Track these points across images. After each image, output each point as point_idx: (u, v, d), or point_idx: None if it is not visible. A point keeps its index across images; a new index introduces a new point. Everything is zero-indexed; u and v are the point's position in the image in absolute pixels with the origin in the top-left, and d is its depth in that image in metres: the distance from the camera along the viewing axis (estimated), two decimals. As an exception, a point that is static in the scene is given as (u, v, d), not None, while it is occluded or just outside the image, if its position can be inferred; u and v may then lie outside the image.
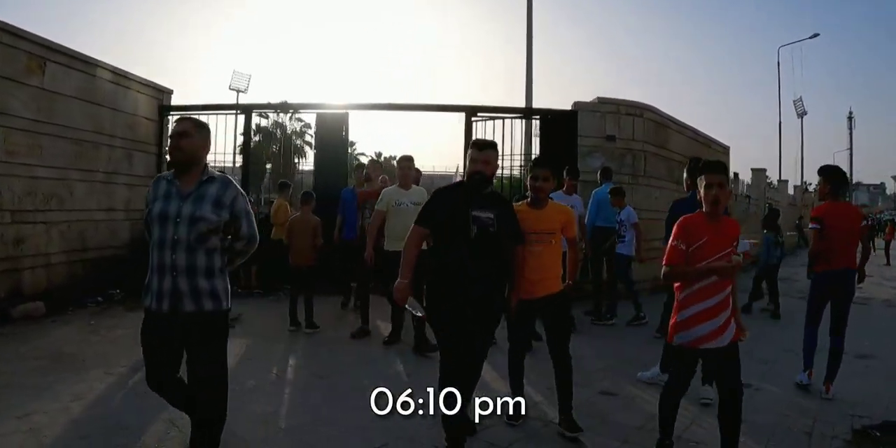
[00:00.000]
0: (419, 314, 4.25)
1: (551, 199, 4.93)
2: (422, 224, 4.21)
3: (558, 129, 11.41)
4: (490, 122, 11.79)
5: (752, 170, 22.77)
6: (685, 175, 6.25)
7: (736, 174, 22.78)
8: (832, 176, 6.07)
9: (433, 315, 4.16)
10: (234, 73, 40.44)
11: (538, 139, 11.51)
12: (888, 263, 22.95)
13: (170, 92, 12.61)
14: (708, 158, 4.74)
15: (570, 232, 4.84)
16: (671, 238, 3.86)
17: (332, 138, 12.22)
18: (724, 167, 3.90)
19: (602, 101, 11.80)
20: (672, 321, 3.94)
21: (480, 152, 4.18)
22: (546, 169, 4.72)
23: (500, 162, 4.88)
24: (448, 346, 4.09)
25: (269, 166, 38.07)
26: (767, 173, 23.90)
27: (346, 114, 12.30)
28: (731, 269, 3.74)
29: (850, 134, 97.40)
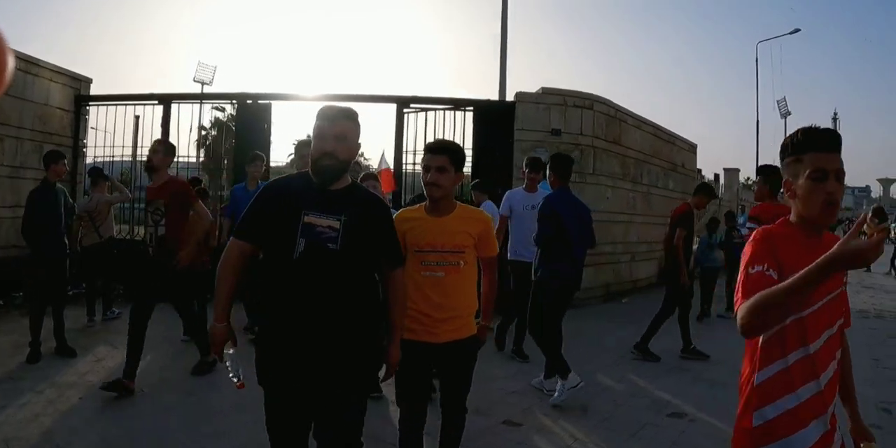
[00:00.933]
0: (234, 380, 2.84)
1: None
2: (238, 236, 2.81)
3: (496, 121, 10.34)
4: (422, 114, 10.76)
5: (725, 170, 21.85)
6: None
7: (716, 175, 21.91)
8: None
9: (261, 376, 2.77)
10: (198, 65, 39.16)
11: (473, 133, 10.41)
12: (868, 269, 22.01)
13: (88, 81, 11.85)
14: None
15: (487, 249, 3.39)
16: (746, 264, 1.97)
17: (254, 130, 11.22)
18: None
19: (546, 92, 10.79)
20: (744, 425, 2.08)
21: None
22: (442, 155, 3.18)
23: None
24: (277, 428, 2.80)
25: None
26: (746, 174, 22.94)
27: (269, 104, 11.35)
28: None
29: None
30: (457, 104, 10.59)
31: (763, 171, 5.87)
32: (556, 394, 5.52)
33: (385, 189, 8.02)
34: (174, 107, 11.40)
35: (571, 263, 5.64)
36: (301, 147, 7.67)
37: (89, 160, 11.64)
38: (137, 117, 11.99)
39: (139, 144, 11.93)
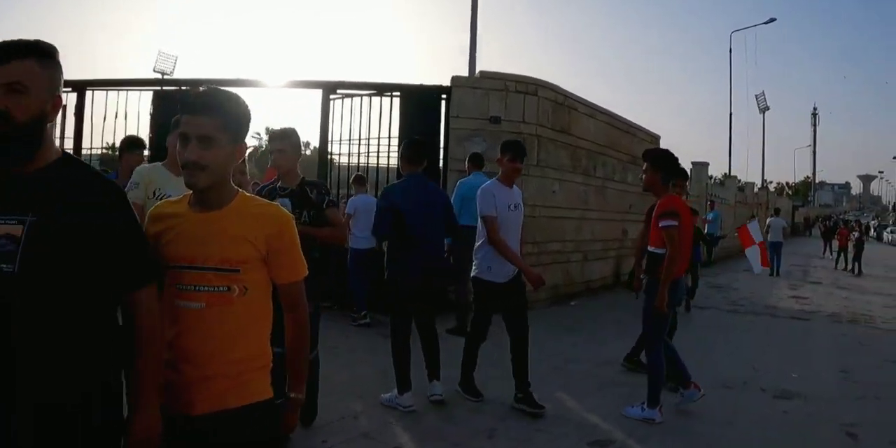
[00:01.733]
0: None
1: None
2: None
3: (427, 108, 9.45)
4: (349, 100, 9.88)
5: (693, 163, 21.07)
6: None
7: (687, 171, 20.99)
8: (662, 162, 5.14)
9: None
10: (159, 54, 38.45)
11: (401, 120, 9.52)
12: (847, 268, 21.44)
13: None
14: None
15: (284, 268, 2.16)
16: None
17: (169, 120, 10.15)
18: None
19: (485, 76, 9.94)
20: None
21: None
22: (205, 117, 2.01)
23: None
24: None
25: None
26: (720, 169, 22.19)
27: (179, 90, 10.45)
28: None
29: (814, 131, 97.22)
30: (381, 89, 9.69)
31: (650, 155, 5.20)
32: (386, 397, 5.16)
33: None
34: (89, 94, 10.66)
35: (423, 260, 5.12)
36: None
37: None
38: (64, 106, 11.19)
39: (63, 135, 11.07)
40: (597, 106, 12.18)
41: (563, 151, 10.89)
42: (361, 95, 9.71)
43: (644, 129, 14.68)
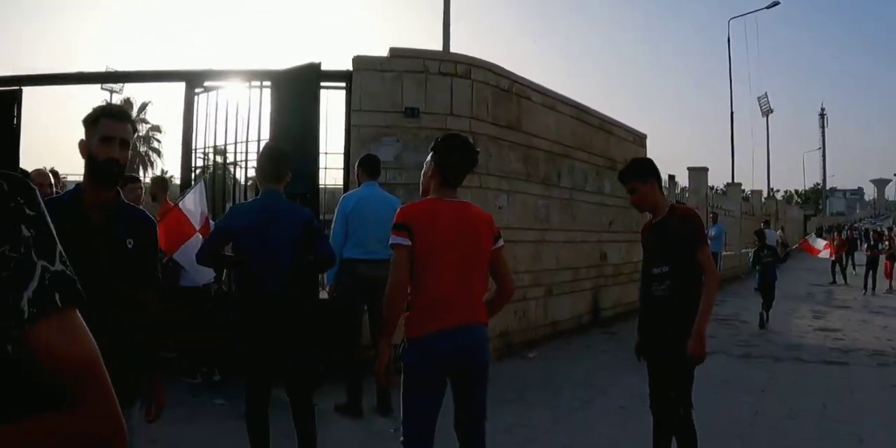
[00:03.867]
0: None
1: None
2: None
3: (306, 99, 7.18)
4: (215, 94, 7.71)
5: (689, 169, 18.79)
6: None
7: (671, 176, 18.94)
8: (651, 168, 4.23)
9: None
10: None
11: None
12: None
13: None
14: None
15: None
16: None
17: None
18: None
19: (397, 54, 7.73)
20: None
21: None
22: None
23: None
24: None
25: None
26: (720, 176, 19.92)
27: (19, 90, 8.34)
28: None
29: (823, 133, 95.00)
30: (249, 77, 7.46)
31: (643, 168, 4.25)
32: None
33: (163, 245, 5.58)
34: None
35: (256, 302, 4.09)
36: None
37: None
38: None
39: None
40: (559, 95, 9.94)
41: (513, 153, 8.62)
42: (223, 88, 7.52)
43: (624, 125, 12.44)
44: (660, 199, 4.15)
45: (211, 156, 7.81)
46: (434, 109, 7.68)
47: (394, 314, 3.31)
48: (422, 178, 3.51)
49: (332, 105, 7.64)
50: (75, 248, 2.27)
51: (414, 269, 3.26)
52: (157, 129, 41.56)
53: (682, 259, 3.88)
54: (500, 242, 3.49)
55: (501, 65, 8.59)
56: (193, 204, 6.21)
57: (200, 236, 5.90)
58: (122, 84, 37.09)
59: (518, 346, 8.46)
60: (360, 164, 6.05)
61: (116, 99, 40.04)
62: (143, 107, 38.95)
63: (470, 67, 7.99)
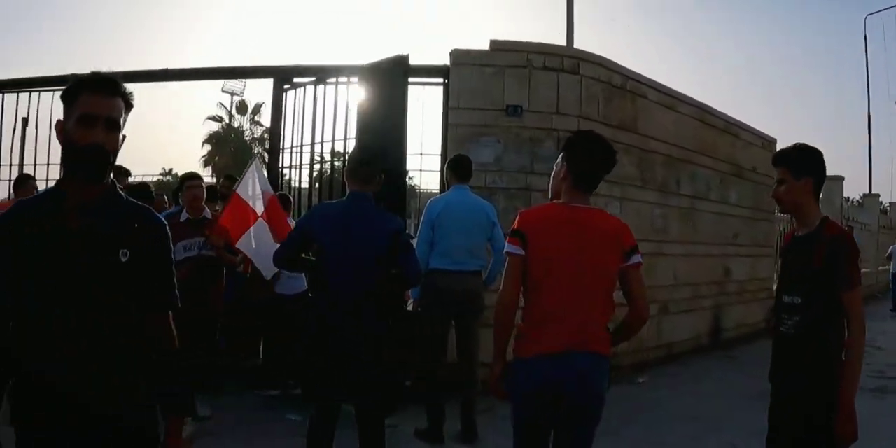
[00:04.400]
0: None
1: None
2: None
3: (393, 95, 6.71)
4: (311, 91, 7.38)
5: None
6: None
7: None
8: (811, 160, 3.16)
9: None
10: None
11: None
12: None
13: None
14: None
15: None
16: None
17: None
18: None
19: (498, 48, 7.18)
20: None
21: None
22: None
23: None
24: None
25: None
26: (857, 187, 18.20)
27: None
28: None
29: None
30: (338, 73, 7.08)
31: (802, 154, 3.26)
32: None
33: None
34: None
35: (330, 311, 3.82)
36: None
37: None
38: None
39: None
40: (678, 93, 9.11)
41: (626, 157, 7.88)
42: (313, 84, 7.20)
43: (752, 128, 11.41)
44: (809, 205, 3.24)
45: (298, 155, 7.44)
46: (538, 107, 7.09)
47: (500, 330, 3.00)
48: (551, 180, 3.17)
49: (429, 102, 7.26)
50: (50, 253, 1.81)
51: (527, 282, 2.95)
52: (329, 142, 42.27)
53: (822, 293, 3.00)
54: (635, 258, 3.02)
55: (614, 59, 7.90)
56: (252, 187, 5.80)
57: (264, 222, 5.63)
58: (243, 85, 37.99)
59: (627, 370, 7.71)
60: (449, 165, 5.56)
61: (231, 101, 40.74)
62: (257, 108, 39.43)
63: (578, 61, 7.35)
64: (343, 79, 7.04)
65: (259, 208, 5.68)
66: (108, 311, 1.92)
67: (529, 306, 2.98)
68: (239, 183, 5.83)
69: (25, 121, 8.47)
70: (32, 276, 1.88)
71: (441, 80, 7.17)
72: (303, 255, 4.01)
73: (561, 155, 3.11)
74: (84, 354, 1.87)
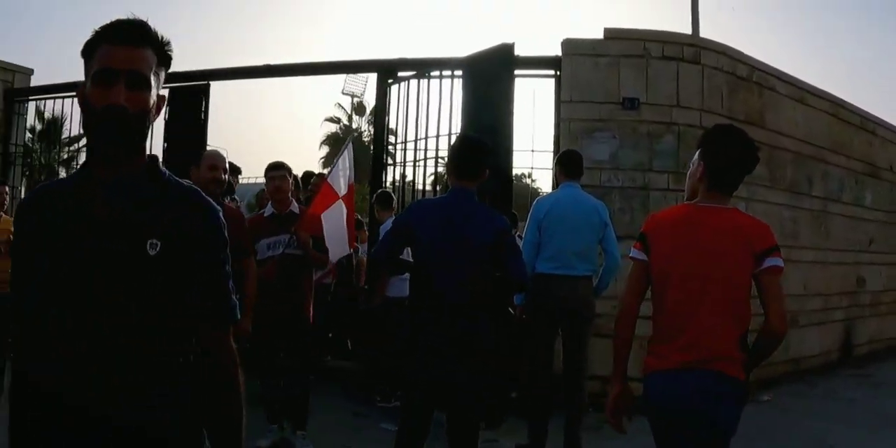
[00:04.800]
0: None
1: None
2: None
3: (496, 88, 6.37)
4: (414, 84, 7.11)
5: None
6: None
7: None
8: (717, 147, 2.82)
9: None
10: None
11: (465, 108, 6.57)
12: None
13: (25, 71, 10.05)
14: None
15: None
16: None
17: (186, 119, 8.32)
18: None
19: (612, 36, 6.77)
20: None
21: None
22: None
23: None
24: None
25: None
26: None
27: (206, 85, 8.42)
28: None
29: None
30: (443, 65, 6.78)
31: (711, 140, 2.91)
32: None
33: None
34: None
35: (431, 313, 3.51)
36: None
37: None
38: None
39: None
40: (809, 86, 8.43)
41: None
42: (418, 78, 6.98)
43: (890, 124, 10.54)
44: None
45: (403, 151, 7.20)
46: (657, 100, 6.64)
47: (618, 343, 2.78)
48: (687, 180, 2.90)
49: (541, 96, 6.96)
50: (64, 242, 1.50)
51: (653, 291, 2.74)
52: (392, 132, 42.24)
53: None
54: (770, 262, 2.62)
55: (739, 49, 7.33)
56: (342, 169, 5.36)
57: (343, 204, 5.15)
58: (363, 87, 37.89)
59: (751, 386, 7.10)
60: (558, 161, 5.21)
61: (351, 103, 40.64)
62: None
63: (699, 50, 6.84)
64: (447, 72, 6.73)
65: (341, 189, 5.20)
66: (122, 311, 1.51)
67: (654, 317, 2.73)
68: (331, 169, 5.39)
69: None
70: (40, 268, 1.54)
71: (552, 71, 6.82)
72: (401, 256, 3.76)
73: (697, 152, 2.81)
74: (83, 357, 1.52)
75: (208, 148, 8.19)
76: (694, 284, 2.60)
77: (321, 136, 40.95)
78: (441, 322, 3.46)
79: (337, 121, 41.08)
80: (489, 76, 6.18)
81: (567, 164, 5.08)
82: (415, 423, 3.57)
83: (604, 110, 6.60)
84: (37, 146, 10.05)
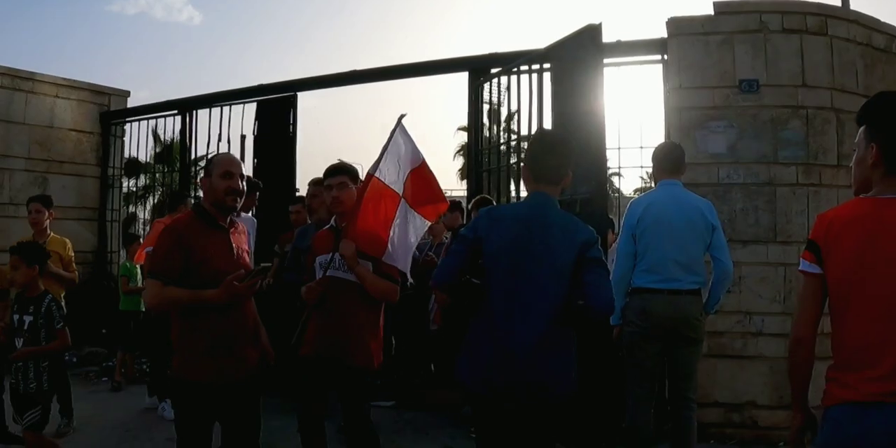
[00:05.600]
0: None
1: None
2: None
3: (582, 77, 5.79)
4: (506, 80, 6.75)
5: None
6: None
7: None
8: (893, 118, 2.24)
9: None
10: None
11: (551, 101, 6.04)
12: None
13: (122, 94, 10.28)
14: None
15: None
16: None
17: (274, 131, 8.33)
18: None
19: (723, 11, 6.10)
20: None
21: None
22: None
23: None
24: None
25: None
26: None
27: (294, 96, 8.28)
28: None
29: None
30: (531, 60, 6.27)
31: (871, 111, 2.31)
32: None
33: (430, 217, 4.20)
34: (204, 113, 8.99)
35: (494, 355, 2.94)
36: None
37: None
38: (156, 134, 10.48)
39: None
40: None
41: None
42: (508, 74, 6.58)
43: None
44: None
45: (496, 154, 6.75)
46: (779, 80, 5.92)
47: (795, 371, 2.33)
48: (853, 168, 2.35)
49: (647, 84, 6.42)
50: None
51: (830, 308, 2.25)
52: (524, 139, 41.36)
53: None
54: None
55: (873, 15, 6.49)
56: (396, 159, 3.94)
57: (406, 203, 3.93)
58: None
59: None
60: (654, 155, 4.55)
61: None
62: (511, 116, 39.42)
63: (825, 19, 6.05)
64: (535, 66, 6.22)
65: (399, 186, 3.92)
66: None
67: (834, 340, 2.24)
68: (380, 159, 3.87)
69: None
70: None
71: (658, 56, 6.21)
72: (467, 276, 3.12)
73: (862, 131, 2.27)
74: None
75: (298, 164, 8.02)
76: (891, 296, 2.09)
77: (455, 146, 38.87)
78: (501, 361, 2.93)
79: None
80: (574, 64, 5.62)
81: (663, 157, 4.47)
82: None
83: (718, 96, 5.94)
84: (158, 168, 10.11)
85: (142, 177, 17.33)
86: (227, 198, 3.33)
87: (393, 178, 3.86)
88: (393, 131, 3.89)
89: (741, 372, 5.73)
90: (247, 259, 3.54)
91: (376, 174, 3.80)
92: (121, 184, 10.34)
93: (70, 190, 9.50)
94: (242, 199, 3.43)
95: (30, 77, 9.16)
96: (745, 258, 5.71)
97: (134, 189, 10.39)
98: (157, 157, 16.85)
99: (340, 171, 4.02)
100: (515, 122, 6.41)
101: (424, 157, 3.96)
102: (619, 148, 6.29)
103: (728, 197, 5.76)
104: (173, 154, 11.84)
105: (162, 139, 10.30)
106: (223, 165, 3.40)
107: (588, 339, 4.88)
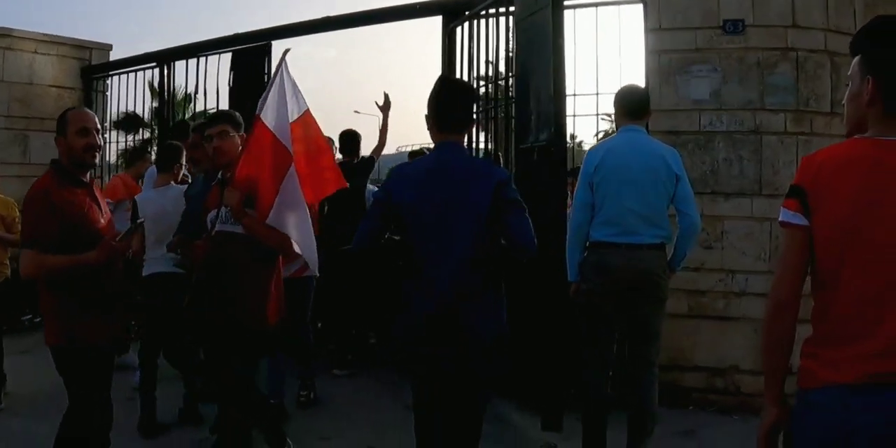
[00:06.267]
0: None
1: None
2: None
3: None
4: (479, 25, 6.28)
5: None
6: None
7: None
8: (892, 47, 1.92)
9: None
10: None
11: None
12: None
13: (103, 48, 10.18)
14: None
15: None
16: None
17: (250, 82, 8.13)
18: None
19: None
20: None
21: None
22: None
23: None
24: None
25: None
26: None
27: (268, 44, 8.14)
28: None
29: None
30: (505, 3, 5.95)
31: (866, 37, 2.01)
32: None
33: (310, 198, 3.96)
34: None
35: (422, 304, 3.01)
36: None
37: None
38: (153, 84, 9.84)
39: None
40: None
41: None
42: (478, 17, 6.21)
43: None
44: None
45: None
46: (767, 20, 5.55)
47: (771, 343, 1.98)
48: (846, 107, 2.06)
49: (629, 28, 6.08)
50: None
51: (815, 268, 1.94)
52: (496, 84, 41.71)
53: None
54: None
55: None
56: (275, 109, 3.64)
57: (294, 168, 3.59)
58: None
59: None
60: (615, 99, 4.23)
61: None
62: None
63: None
64: (503, 9, 5.91)
65: (289, 143, 3.60)
66: None
67: (818, 309, 1.93)
68: (264, 98, 3.63)
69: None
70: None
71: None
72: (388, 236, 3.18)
73: (856, 64, 1.97)
74: None
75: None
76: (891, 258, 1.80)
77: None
78: (427, 311, 2.99)
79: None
80: (531, 4, 5.25)
81: (626, 101, 4.15)
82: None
83: (701, 38, 5.58)
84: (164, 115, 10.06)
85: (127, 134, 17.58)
86: (87, 155, 3.28)
87: (278, 123, 3.60)
88: (278, 67, 3.70)
89: (724, 334, 5.49)
90: (109, 213, 3.52)
91: (261, 116, 3.54)
92: (106, 139, 10.25)
93: (51, 147, 9.21)
94: (99, 154, 3.40)
95: (7, 33, 9.04)
96: (729, 212, 5.46)
97: (132, 144, 10.28)
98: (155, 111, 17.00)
99: (220, 119, 3.81)
100: (491, 69, 6.11)
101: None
102: (597, 93, 5.98)
103: (711, 146, 5.47)
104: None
105: (157, 92, 10.10)
106: (78, 122, 3.31)
107: (541, 296, 4.71)
